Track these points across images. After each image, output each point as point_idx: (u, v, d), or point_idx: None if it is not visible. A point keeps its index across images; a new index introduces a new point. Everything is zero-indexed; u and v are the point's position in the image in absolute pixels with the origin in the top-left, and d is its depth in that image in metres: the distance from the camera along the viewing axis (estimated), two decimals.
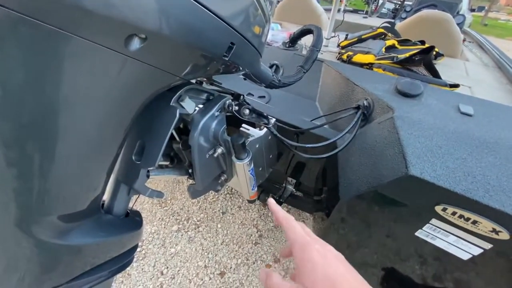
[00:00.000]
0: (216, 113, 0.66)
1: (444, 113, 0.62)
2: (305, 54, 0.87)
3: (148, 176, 0.63)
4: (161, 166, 0.82)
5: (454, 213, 0.40)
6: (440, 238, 0.46)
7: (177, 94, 0.57)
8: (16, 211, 0.37)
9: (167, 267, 1.23)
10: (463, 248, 0.44)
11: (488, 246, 0.41)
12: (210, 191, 0.84)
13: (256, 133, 0.79)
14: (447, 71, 1.33)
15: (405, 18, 2.38)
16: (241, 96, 0.77)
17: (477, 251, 0.43)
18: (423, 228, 0.46)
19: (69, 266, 0.56)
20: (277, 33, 1.45)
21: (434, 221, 0.44)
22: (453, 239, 0.44)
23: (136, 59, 0.34)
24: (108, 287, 0.76)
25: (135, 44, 0.32)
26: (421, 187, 0.41)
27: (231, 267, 1.27)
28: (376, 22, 2.44)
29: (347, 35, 1.48)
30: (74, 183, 0.43)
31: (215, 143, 0.68)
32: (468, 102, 0.69)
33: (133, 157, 0.59)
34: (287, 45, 1.20)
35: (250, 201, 1.39)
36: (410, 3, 2.98)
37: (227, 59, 0.46)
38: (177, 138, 0.77)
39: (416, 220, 0.46)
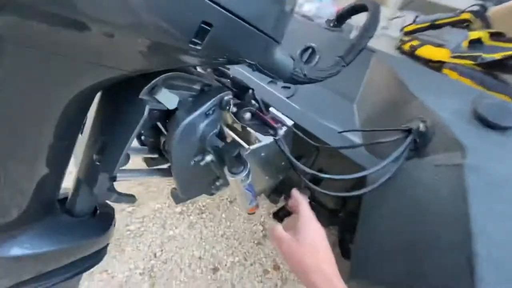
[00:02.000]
0: (209, 111, 0.50)
1: None
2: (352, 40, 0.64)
3: (113, 180, 0.51)
4: (152, 159, 0.69)
5: None
6: None
7: (150, 84, 0.42)
8: None
9: (162, 250, 1.19)
10: None
11: None
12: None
13: (263, 138, 0.62)
14: None
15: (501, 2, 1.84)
16: (249, 91, 0.58)
17: None
18: None
19: (12, 275, 0.48)
20: (325, 6, 1.17)
21: None
22: None
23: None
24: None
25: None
26: None
27: (225, 264, 1.19)
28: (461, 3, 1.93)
29: (416, 16, 1.14)
30: None
31: (203, 148, 0.53)
32: None
33: (94, 157, 0.47)
34: (331, 24, 0.94)
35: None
36: None
37: (200, 48, 0.29)
38: (164, 131, 0.62)
39: None
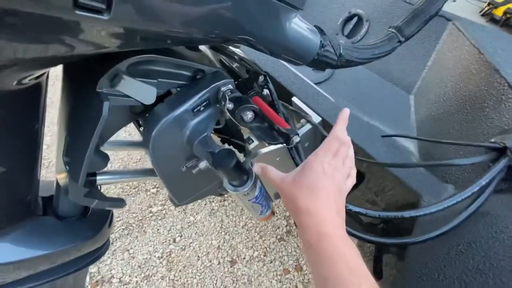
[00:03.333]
0: (198, 107, 0.38)
1: None
2: (415, 5, 0.45)
3: (91, 184, 0.43)
4: None
5: None
6: None
7: (108, 72, 0.30)
8: None
9: (181, 236, 1.17)
10: None
11: None
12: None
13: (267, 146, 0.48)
14: None
15: None
16: (260, 77, 0.44)
17: None
18: None
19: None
20: None
21: None
22: None
23: None
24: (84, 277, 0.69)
25: None
26: None
27: (244, 258, 1.12)
28: None
29: None
30: None
31: (194, 154, 0.42)
32: None
33: (64, 159, 0.39)
34: None
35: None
36: None
37: None
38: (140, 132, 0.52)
39: None
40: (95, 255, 0.57)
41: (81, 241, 0.50)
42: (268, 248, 1.16)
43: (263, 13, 0.27)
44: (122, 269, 1.05)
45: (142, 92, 0.33)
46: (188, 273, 1.06)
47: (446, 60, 0.53)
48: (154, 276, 1.05)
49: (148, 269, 1.06)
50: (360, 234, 0.43)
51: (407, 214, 0.35)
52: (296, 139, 0.37)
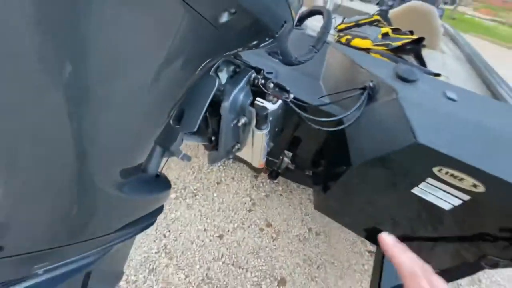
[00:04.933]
0: (244, 86, 0.72)
1: (436, 97, 0.74)
2: (316, 35, 0.94)
3: (182, 140, 0.68)
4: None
5: (447, 173, 0.53)
6: (431, 193, 0.59)
7: (216, 64, 0.62)
8: (85, 164, 0.36)
9: (169, 231, 1.31)
10: (448, 200, 0.58)
11: (467, 198, 0.55)
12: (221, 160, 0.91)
13: (270, 106, 0.87)
14: (427, 61, 1.49)
15: (391, 6, 2.50)
16: (262, 71, 0.83)
17: (458, 202, 0.57)
18: (419, 186, 0.60)
19: (114, 219, 0.61)
20: None
21: (429, 179, 0.57)
22: (441, 194, 0.58)
23: (218, 28, 0.39)
24: (130, 246, 0.82)
25: (225, 17, 0.38)
26: (425, 152, 0.53)
27: (228, 230, 1.38)
28: (366, 8, 2.52)
29: (344, 18, 1.55)
30: (130, 144, 0.45)
31: (240, 113, 0.75)
32: (452, 89, 0.82)
33: (171, 122, 0.64)
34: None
35: (257, 170, 1.48)
36: None
37: (277, 35, 0.52)
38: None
39: (415, 179, 0.59)
40: (155, 216, 0.76)
41: (165, 190, 0.71)
42: (243, 219, 1.46)
43: (288, 34, 0.67)
44: (124, 272, 1.10)
45: (224, 76, 0.66)
46: (188, 256, 1.23)
47: (331, 61, 1.08)
48: (158, 267, 1.16)
49: (150, 264, 1.16)
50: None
51: (335, 118, 0.81)
52: (292, 96, 0.77)
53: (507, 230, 0.55)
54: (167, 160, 0.69)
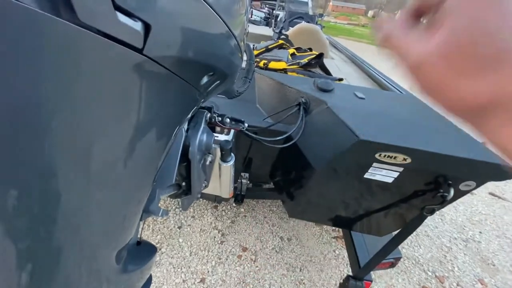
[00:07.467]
0: (205, 126, 0.76)
1: (351, 99, 0.95)
2: (244, 67, 1.05)
3: (160, 197, 0.67)
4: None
5: (385, 156, 0.70)
6: (377, 174, 0.76)
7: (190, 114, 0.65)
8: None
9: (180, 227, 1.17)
10: (389, 175, 0.75)
11: (401, 169, 0.73)
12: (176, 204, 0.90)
13: (228, 138, 0.92)
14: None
15: (282, 27, 2.93)
16: (212, 109, 0.88)
17: (396, 175, 0.75)
18: (369, 171, 0.75)
19: None
20: None
21: (375, 164, 0.73)
22: (384, 172, 0.75)
23: (199, 90, 0.44)
24: None
25: (205, 79, 0.43)
26: (367, 145, 0.68)
27: (208, 271, 1.33)
28: (267, 31, 2.86)
29: (254, 45, 1.75)
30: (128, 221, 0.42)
31: (205, 152, 0.78)
32: (358, 90, 1.06)
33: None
34: None
35: (225, 200, 1.46)
36: (280, 13, 3.64)
37: (233, 79, 0.60)
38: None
39: (365, 167, 0.75)
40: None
41: (151, 257, 0.67)
42: (218, 253, 1.42)
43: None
44: None
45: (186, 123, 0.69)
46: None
47: (261, 85, 1.22)
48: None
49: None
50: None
51: (285, 135, 0.93)
52: (246, 125, 0.84)
53: (432, 183, 0.76)
54: (144, 223, 0.66)
